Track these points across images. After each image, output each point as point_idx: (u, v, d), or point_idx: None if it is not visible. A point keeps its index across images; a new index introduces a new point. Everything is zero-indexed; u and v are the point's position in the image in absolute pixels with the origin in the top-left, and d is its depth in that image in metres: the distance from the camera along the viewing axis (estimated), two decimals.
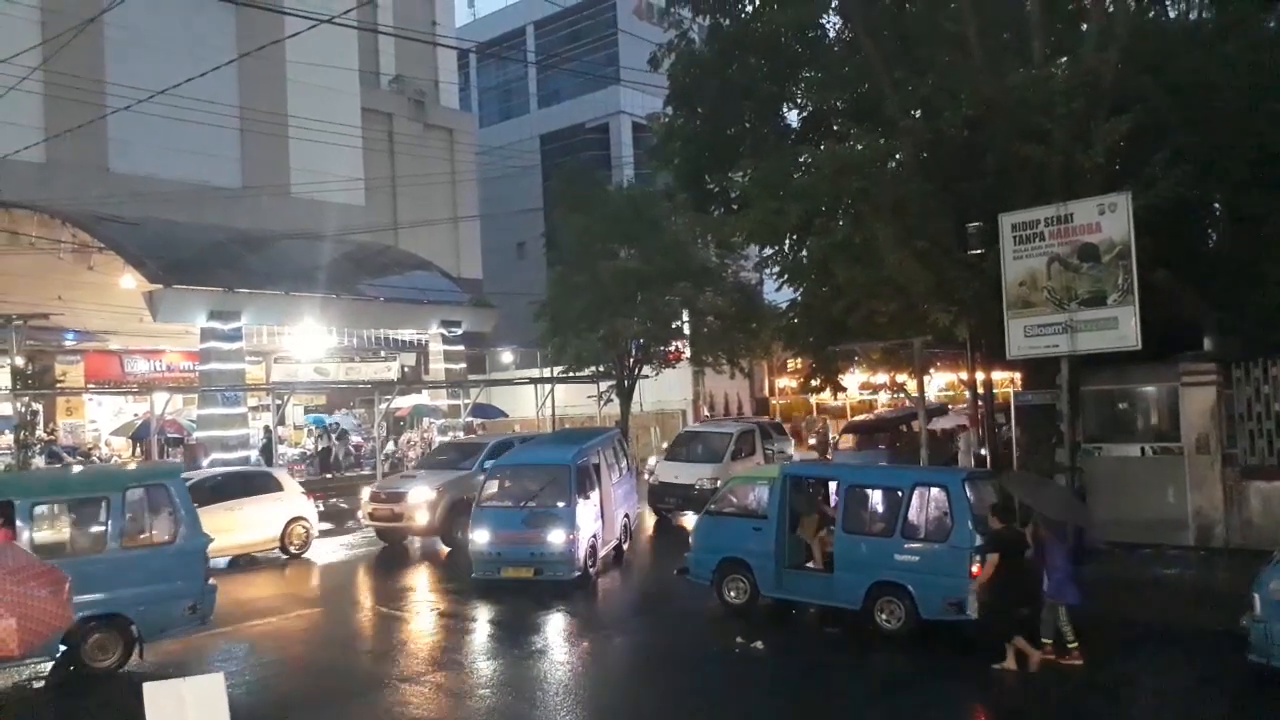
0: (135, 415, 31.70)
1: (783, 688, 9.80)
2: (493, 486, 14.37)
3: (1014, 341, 13.73)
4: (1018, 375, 17.56)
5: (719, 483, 18.63)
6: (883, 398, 35.00)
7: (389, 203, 39.62)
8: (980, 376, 17.71)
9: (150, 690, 5.01)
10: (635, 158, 49.74)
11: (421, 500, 17.08)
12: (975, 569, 10.06)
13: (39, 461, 24.46)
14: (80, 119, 24.73)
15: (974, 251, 14.28)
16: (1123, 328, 12.71)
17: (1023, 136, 13.37)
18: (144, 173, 30.39)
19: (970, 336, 15.96)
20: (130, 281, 26.02)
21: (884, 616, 10.63)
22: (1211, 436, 14.11)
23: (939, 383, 32.27)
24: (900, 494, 10.92)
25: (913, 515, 10.83)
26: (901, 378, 21.71)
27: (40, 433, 26.52)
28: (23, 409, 21.67)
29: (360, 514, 18.16)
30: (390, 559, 17.06)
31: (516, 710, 8.87)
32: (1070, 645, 9.57)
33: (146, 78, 23.53)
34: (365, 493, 17.97)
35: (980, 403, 18.19)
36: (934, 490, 10.84)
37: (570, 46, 56.77)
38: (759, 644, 10.59)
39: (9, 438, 25.69)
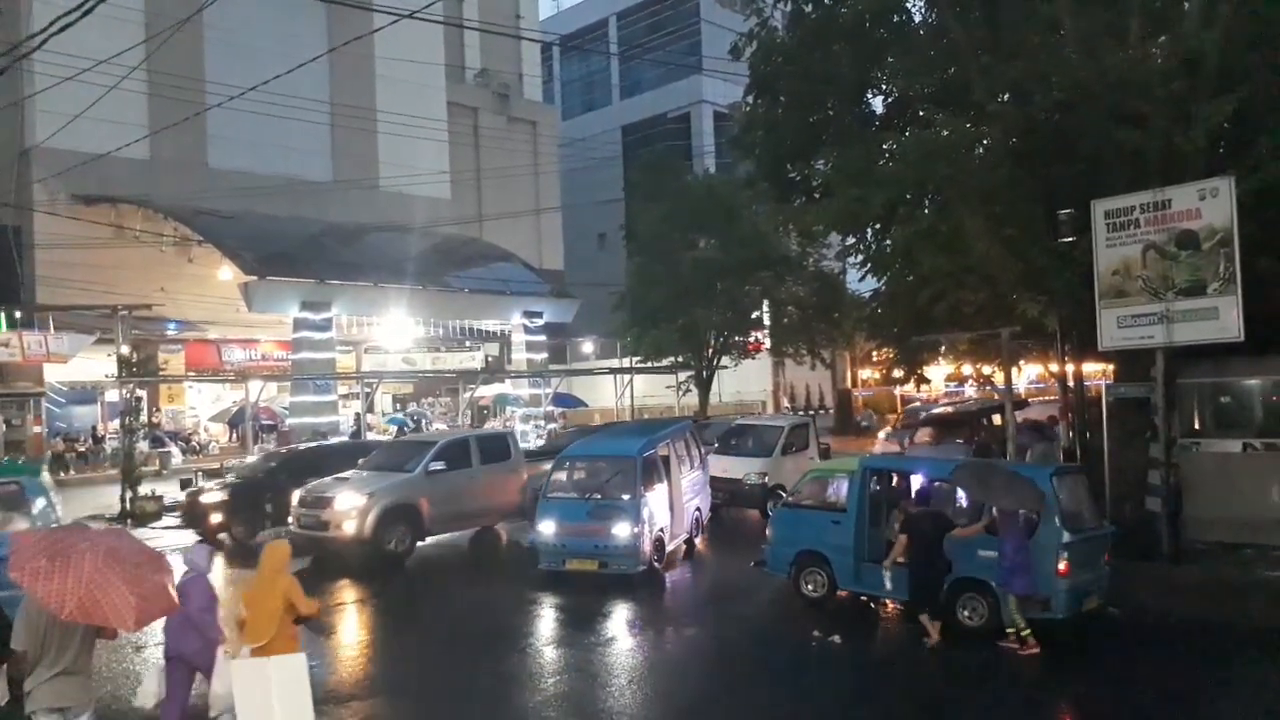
0: (233, 402, 32.96)
1: (860, 682, 9.70)
2: (560, 477, 14.38)
3: (1106, 332, 13.25)
4: (1109, 367, 16.98)
5: (767, 477, 18.49)
6: (970, 390, 34.19)
7: (474, 195, 40.28)
8: (1070, 369, 17.16)
9: (237, 667, 5.22)
10: (716, 147, 49.56)
11: (349, 507, 14.87)
12: (1063, 566, 9.78)
13: (143, 446, 25.60)
14: (181, 116, 25.75)
15: (1065, 239, 13.82)
16: (1223, 318, 12.16)
17: (1118, 120, 12.86)
18: (240, 168, 31.49)
19: (1060, 327, 15.47)
20: (227, 273, 27.06)
21: (965, 613, 10.39)
22: None
23: (1028, 374, 31.41)
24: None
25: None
26: (988, 369, 21.19)
27: (144, 418, 27.71)
28: (128, 395, 22.68)
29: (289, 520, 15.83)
30: (325, 570, 14.64)
31: (591, 695, 8.96)
32: (1024, 634, 9.66)
33: (242, 76, 24.34)
34: (295, 496, 15.76)
35: (1070, 395, 17.63)
36: None
37: (652, 37, 56.77)
38: (836, 638, 10.47)
39: (116, 423, 26.97)
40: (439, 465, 15.78)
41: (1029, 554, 9.82)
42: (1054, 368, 19.65)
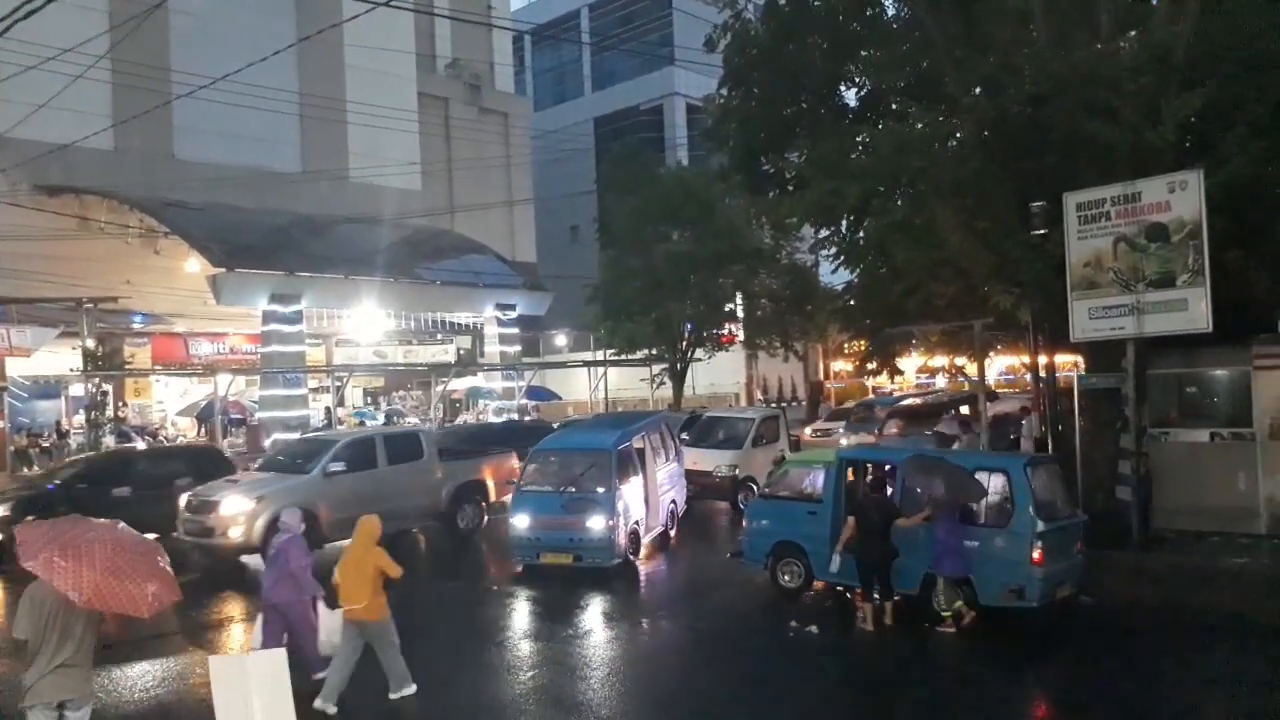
0: (201, 397, 32.55)
1: (838, 672, 9.75)
2: (533, 470, 14.29)
3: (1078, 324, 13.41)
4: (1080, 359, 17.17)
5: (738, 470, 18.51)
6: (940, 382, 34.49)
7: (445, 187, 39.99)
8: (1043, 360, 17.35)
9: (216, 664, 5.15)
10: (689, 139, 49.55)
11: (235, 512, 13.94)
12: (1037, 555, 9.89)
13: (109, 440, 25.20)
14: (147, 106, 25.32)
15: (1037, 232, 13.95)
16: (1192, 309, 12.34)
17: (1089, 113, 12.99)
18: (208, 159, 31.06)
19: (1032, 319, 15.63)
20: (195, 265, 26.68)
21: (940, 601, 10.48)
22: None
23: (999, 366, 31.74)
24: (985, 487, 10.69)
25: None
26: (961, 361, 21.37)
27: (110, 412, 27.27)
28: (94, 389, 22.33)
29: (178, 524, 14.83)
30: (211, 583, 13.65)
31: (570, 687, 8.93)
32: (952, 613, 10.19)
33: (209, 65, 23.96)
34: (182, 500, 14.86)
35: (1043, 386, 17.82)
36: (995, 476, 10.64)
37: (625, 28, 56.61)
38: (813, 628, 10.53)
39: (81, 417, 26.55)
40: (339, 466, 14.75)
41: (960, 539, 10.20)
42: (1025, 359, 19.86)
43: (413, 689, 8.41)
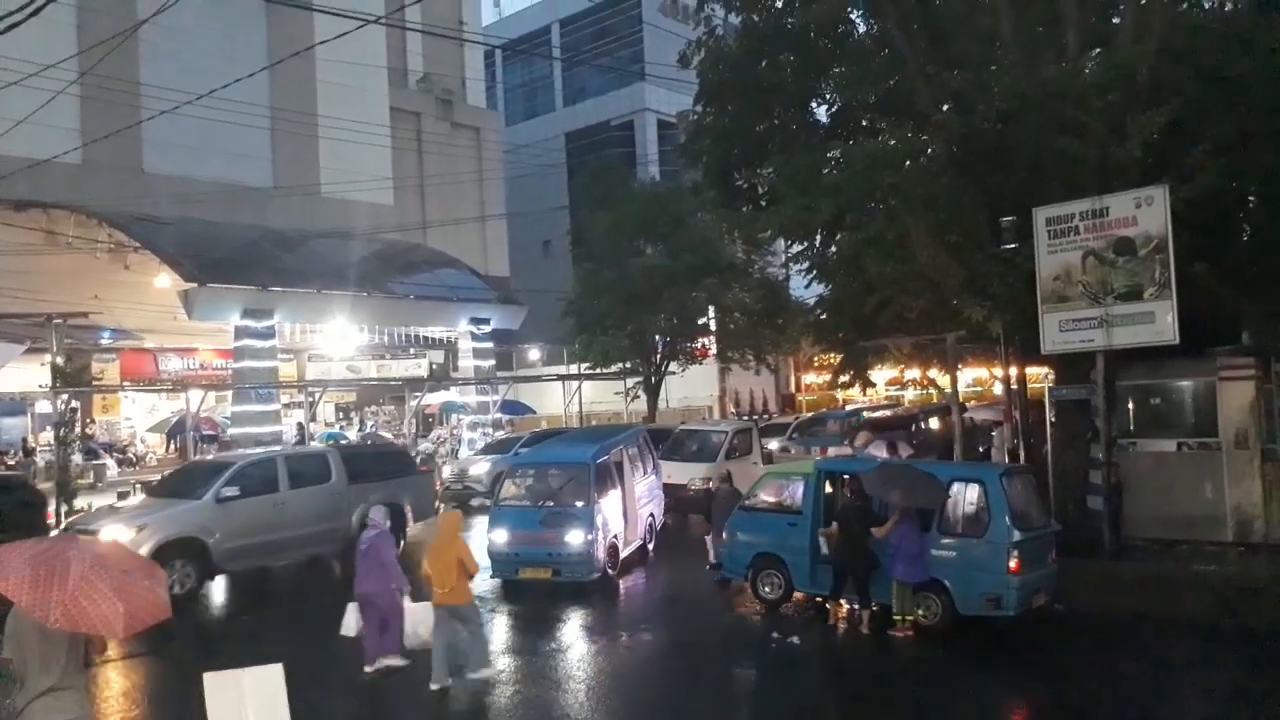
0: (171, 412, 32.19)
1: (820, 682, 9.85)
2: (510, 486, 14.27)
3: (1049, 336, 13.66)
4: (1050, 371, 17.45)
5: (712, 483, 18.58)
6: (910, 394, 34.85)
7: (417, 201, 39.94)
8: (1014, 371, 17.61)
9: (210, 680, 5.13)
10: (660, 154, 49.81)
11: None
12: (1014, 564, 10.06)
13: (77, 458, 24.84)
14: (116, 120, 25.13)
15: (1007, 246, 14.19)
16: (1159, 322, 12.63)
17: (1057, 130, 13.27)
18: (178, 173, 30.83)
19: (1004, 331, 15.87)
20: (165, 280, 26.40)
21: (921, 612, 10.63)
22: (1250, 432, 13.96)
23: (967, 378, 32.10)
24: (947, 493, 10.88)
25: (949, 511, 10.82)
26: (932, 373, 21.61)
27: (79, 429, 26.90)
28: (62, 406, 22.00)
29: None
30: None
31: (555, 701, 8.96)
32: (897, 618, 10.55)
33: (180, 79, 23.86)
34: (63, 526, 14.37)
35: (1013, 398, 18.07)
36: (971, 486, 10.82)
37: (596, 44, 56.86)
38: (795, 639, 10.60)
39: (49, 434, 26.13)
40: (232, 491, 13.84)
41: (919, 545, 10.48)
42: (996, 371, 20.14)
43: (491, 671, 9.31)
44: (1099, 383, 13.65)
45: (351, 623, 9.34)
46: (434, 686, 9.06)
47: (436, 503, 17.57)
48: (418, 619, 9.34)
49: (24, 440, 30.05)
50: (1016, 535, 10.21)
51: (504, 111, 55.72)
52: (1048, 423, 15.31)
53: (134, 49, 29.87)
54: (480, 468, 23.22)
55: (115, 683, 9.72)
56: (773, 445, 26.98)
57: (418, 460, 21.27)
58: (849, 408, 31.34)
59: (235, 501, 13.87)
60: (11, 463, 28.74)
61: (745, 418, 34.19)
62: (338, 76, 34.95)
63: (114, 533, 12.70)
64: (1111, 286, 13.02)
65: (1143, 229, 12.71)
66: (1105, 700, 8.61)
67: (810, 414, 32.72)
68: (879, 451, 17.45)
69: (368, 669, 9.49)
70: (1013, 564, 10.08)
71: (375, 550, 9.61)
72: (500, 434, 29.69)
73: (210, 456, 20.43)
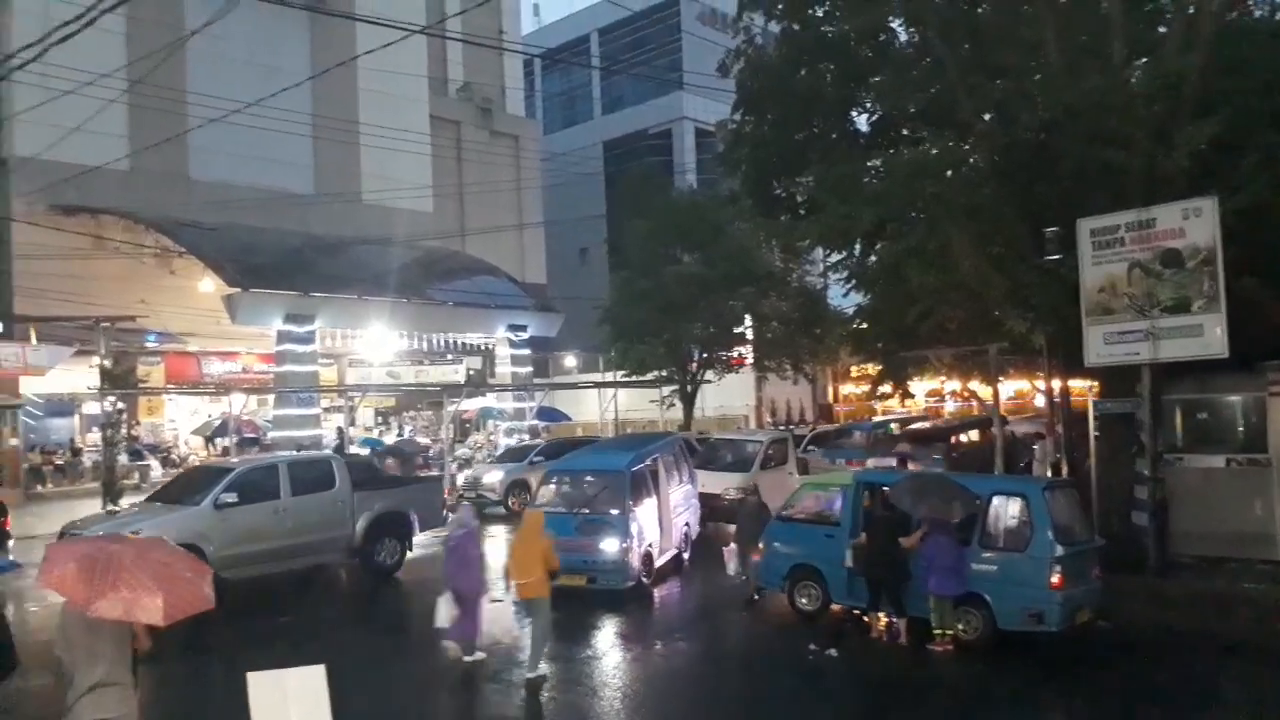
0: (209, 415, 32.66)
1: (857, 696, 9.76)
2: (547, 492, 14.33)
3: (1093, 348, 13.46)
4: (1094, 384, 17.20)
5: (736, 494, 18.46)
6: (950, 405, 34.51)
7: (456, 209, 40.21)
8: (1056, 384, 17.39)
9: (254, 680, 5.19)
10: (698, 163, 49.82)
11: None
12: (1056, 579, 9.91)
13: (123, 459, 25.30)
14: (163, 128, 25.60)
15: (1051, 257, 14.01)
16: (1208, 335, 12.39)
17: (1102, 140, 13.10)
18: (222, 180, 31.29)
19: (1046, 343, 15.68)
20: (209, 285, 26.84)
21: (961, 626, 10.51)
22: None
23: (1008, 390, 31.72)
24: (978, 502, 10.79)
25: (991, 524, 10.70)
26: (973, 385, 21.41)
27: (125, 431, 27.41)
28: (109, 408, 22.44)
29: None
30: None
31: (590, 707, 8.96)
32: (936, 632, 10.39)
33: (225, 87, 24.25)
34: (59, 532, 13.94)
35: (1056, 411, 17.85)
36: (1013, 499, 10.69)
37: (634, 53, 57.05)
38: (832, 651, 10.51)
39: (96, 435, 26.67)
40: (231, 497, 13.47)
41: (956, 558, 10.34)
42: (1038, 384, 19.89)
43: (541, 673, 9.56)
44: (1145, 396, 13.42)
45: (443, 614, 9.93)
46: (529, 675, 9.54)
47: (445, 511, 17.22)
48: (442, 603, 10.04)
49: (71, 440, 30.64)
50: (1059, 550, 10.07)
51: (543, 120, 56.04)
52: (1091, 437, 15.06)
53: (181, 58, 30.36)
54: (494, 476, 23.20)
55: (162, 681, 9.87)
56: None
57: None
58: (874, 420, 31.20)
59: (234, 508, 13.46)
60: (59, 462, 29.34)
61: (781, 428, 34.09)
62: (379, 85, 35.32)
63: None
64: (1158, 299, 12.80)
65: (1191, 240, 12.49)
66: (1146, 718, 8.44)
67: (826, 426, 32.58)
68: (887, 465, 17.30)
69: (466, 658, 10.15)
70: (1055, 579, 9.94)
71: (463, 548, 10.37)
72: (510, 442, 29.75)
73: (214, 460, 20.20)
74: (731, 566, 13.69)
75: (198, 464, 17.52)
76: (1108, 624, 11.01)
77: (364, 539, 14.98)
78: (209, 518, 13.28)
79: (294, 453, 21.20)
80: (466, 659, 10.13)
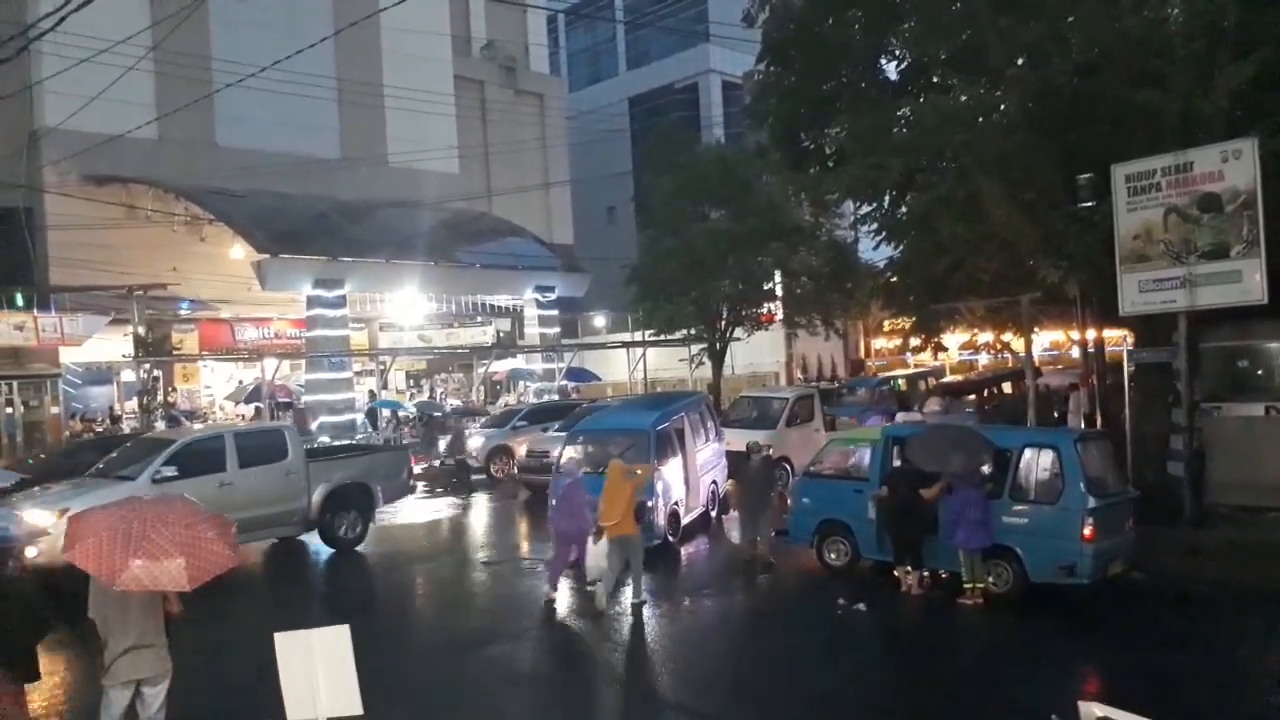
0: (239, 381, 33.08)
1: (887, 649, 9.76)
2: (571, 451, 14.35)
3: (1128, 297, 13.20)
4: (1129, 333, 16.90)
5: (772, 450, 18.32)
6: (983, 358, 34.12)
7: (482, 170, 40.07)
8: (1091, 334, 17.10)
9: (281, 640, 5.26)
10: (725, 117, 49.20)
11: (33, 526, 11.93)
12: (1089, 531, 9.80)
13: (160, 425, 25.71)
14: (188, 95, 25.62)
15: (1084, 204, 13.73)
16: (1247, 281, 12.10)
17: (1138, 82, 12.73)
18: (249, 146, 31.35)
19: (1080, 293, 15.40)
20: (239, 252, 27.05)
21: (991, 579, 10.44)
22: None
23: (1043, 341, 31.29)
24: (1008, 455, 10.66)
25: (1021, 476, 10.58)
26: (1006, 336, 21.12)
27: (161, 397, 27.83)
28: (145, 375, 22.75)
29: None
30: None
31: (615, 663, 9.03)
32: (967, 586, 10.36)
33: (249, 52, 24.15)
34: None
35: (1090, 362, 17.57)
36: (1044, 451, 10.55)
37: (659, 5, 56.22)
38: (861, 606, 10.50)
39: (134, 403, 27.12)
40: (171, 471, 12.66)
41: (983, 511, 10.24)
42: (1072, 334, 19.58)
43: (642, 599, 10.70)
44: (1181, 345, 13.16)
45: (594, 566, 10.87)
46: (599, 606, 10.48)
47: (411, 480, 17.11)
48: (598, 553, 10.86)
49: (110, 408, 31.17)
50: (1092, 501, 9.94)
51: (567, 77, 55.50)
52: (1126, 387, 14.82)
53: (205, 25, 30.40)
54: (475, 442, 22.40)
55: (194, 641, 10.06)
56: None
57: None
58: (879, 376, 31.00)
59: (173, 482, 12.48)
60: (99, 429, 29.88)
61: (810, 384, 33.90)
62: (402, 46, 35.12)
63: (35, 518, 11.95)
64: (1195, 245, 12.50)
65: (1229, 184, 12.15)
66: (1185, 670, 8.36)
67: (844, 381, 32.22)
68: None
69: (552, 594, 11.14)
70: (1087, 531, 9.82)
71: (570, 495, 11.38)
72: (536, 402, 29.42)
73: (161, 433, 18.77)
74: (736, 534, 13.75)
75: (143, 436, 16.72)
76: (1142, 575, 10.90)
77: (320, 512, 14.32)
78: (146, 493, 11.29)
79: (240, 424, 20.49)
80: (553, 594, 11.15)
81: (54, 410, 27.83)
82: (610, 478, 11.05)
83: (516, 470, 21.02)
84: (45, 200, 26.55)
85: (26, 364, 26.91)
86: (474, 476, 21.19)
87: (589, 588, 11.08)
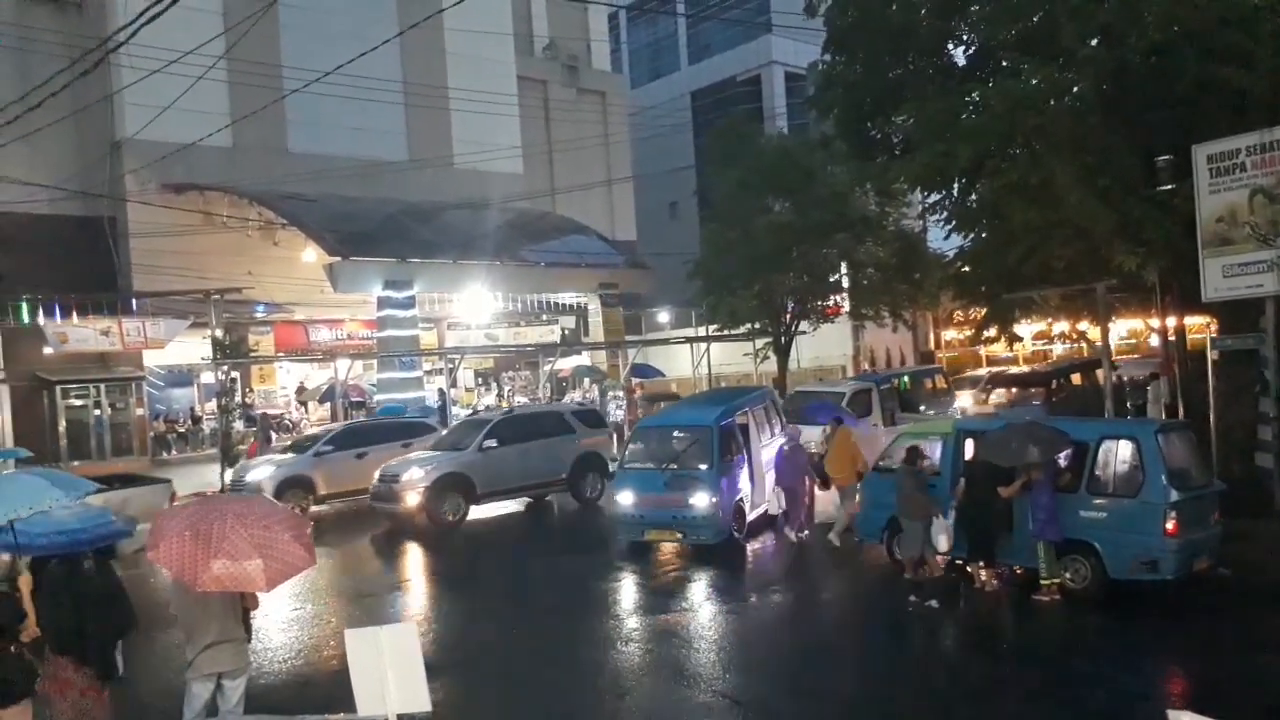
0: (301, 380, 33.87)
1: (961, 647, 9.56)
2: (637, 447, 14.33)
3: (1211, 282, 12.72)
4: (1212, 321, 16.28)
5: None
6: (1058, 348, 33.21)
7: (545, 169, 40.31)
8: (1171, 322, 16.52)
9: (351, 636, 5.34)
10: (788, 108, 48.72)
11: (411, 480, 15.85)
12: (1171, 526, 9.45)
13: (239, 425, 26.43)
14: (261, 102, 26.23)
15: (1163, 187, 13.27)
16: None
17: (1220, 59, 12.24)
18: (320, 151, 31.99)
19: (1159, 279, 14.88)
20: (311, 255, 27.66)
21: (1068, 575, 10.15)
22: None
23: (1120, 330, 30.33)
24: (1085, 447, 10.34)
25: (1100, 470, 10.25)
26: (1082, 326, 20.52)
27: (239, 398, 28.61)
28: (224, 377, 23.39)
29: None
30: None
31: (681, 659, 8.99)
32: (1044, 582, 10.09)
33: (318, 59, 24.61)
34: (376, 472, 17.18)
35: (1172, 350, 16.98)
36: (1123, 443, 10.21)
37: None
38: (933, 602, 10.29)
39: (212, 404, 27.91)
40: (492, 443, 17.20)
41: (1051, 502, 10.00)
42: (1151, 322, 18.95)
43: (838, 541, 13.13)
44: (1269, 331, 12.63)
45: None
46: (832, 538, 13.24)
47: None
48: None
49: (191, 409, 32.16)
50: (1174, 494, 9.59)
51: (629, 74, 55.51)
52: (1209, 376, 14.28)
53: (274, 33, 31.09)
54: (261, 473, 17.99)
55: (274, 636, 10.32)
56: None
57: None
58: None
59: (494, 450, 17.04)
60: (181, 430, 30.86)
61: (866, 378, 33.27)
62: (466, 48, 35.51)
63: (413, 474, 16.03)
64: None
65: None
66: (1266, 669, 8.02)
67: (1016, 369, 30.79)
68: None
69: (795, 536, 13.63)
70: (1170, 525, 9.48)
71: (793, 455, 13.78)
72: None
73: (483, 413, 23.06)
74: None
75: (467, 418, 21.60)
76: (1228, 571, 10.47)
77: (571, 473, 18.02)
78: (474, 457, 16.80)
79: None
80: (798, 536, 13.56)
81: (139, 411, 28.84)
82: (836, 443, 13.74)
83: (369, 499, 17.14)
84: (127, 209, 27.48)
85: (113, 367, 27.94)
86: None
87: (795, 537, 13.66)
